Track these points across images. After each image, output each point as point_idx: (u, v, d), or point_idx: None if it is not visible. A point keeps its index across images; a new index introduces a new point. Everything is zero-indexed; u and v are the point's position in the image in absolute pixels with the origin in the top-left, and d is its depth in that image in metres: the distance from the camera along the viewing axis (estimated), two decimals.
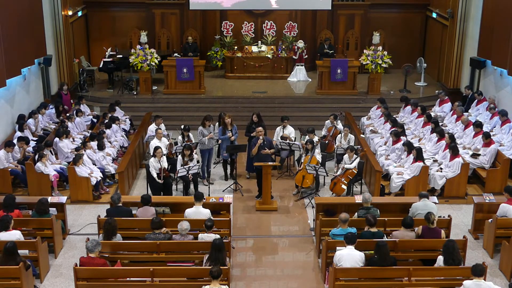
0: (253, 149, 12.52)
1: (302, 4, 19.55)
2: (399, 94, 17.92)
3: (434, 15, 19.63)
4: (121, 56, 18.77)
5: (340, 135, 14.21)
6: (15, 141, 13.29)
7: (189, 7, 19.53)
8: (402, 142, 13.29)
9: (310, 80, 19.52)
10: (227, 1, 19.29)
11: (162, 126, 14.22)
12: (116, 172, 12.94)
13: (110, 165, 13.26)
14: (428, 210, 9.80)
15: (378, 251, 8.68)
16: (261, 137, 12.48)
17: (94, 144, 13.33)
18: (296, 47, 19.47)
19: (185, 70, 17.66)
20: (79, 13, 19.43)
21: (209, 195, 12.11)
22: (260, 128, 12.64)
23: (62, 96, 16.70)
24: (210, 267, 8.26)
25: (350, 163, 12.54)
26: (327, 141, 14.59)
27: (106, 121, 14.88)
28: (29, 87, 15.87)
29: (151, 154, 12.54)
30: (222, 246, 8.69)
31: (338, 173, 12.86)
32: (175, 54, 19.34)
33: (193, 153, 12.53)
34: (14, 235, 9.37)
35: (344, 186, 12.49)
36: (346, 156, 12.72)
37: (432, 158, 13.20)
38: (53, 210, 10.57)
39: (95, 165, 12.88)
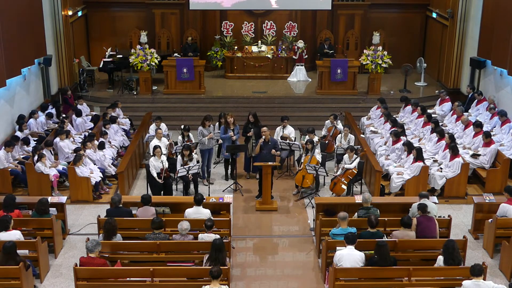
0: (255, 148, 12.55)
1: (302, 4, 19.54)
2: (399, 94, 17.91)
3: (434, 15, 19.63)
4: (121, 56, 18.77)
5: (340, 135, 14.21)
6: None
7: (189, 7, 19.51)
8: (402, 142, 13.29)
9: (310, 80, 19.51)
10: (227, 1, 19.28)
11: (163, 126, 14.21)
12: (116, 172, 12.93)
13: (110, 166, 13.25)
14: (428, 211, 9.82)
15: (378, 251, 8.68)
16: (263, 137, 12.51)
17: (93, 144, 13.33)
18: (296, 47, 19.46)
19: (185, 70, 17.66)
20: (79, 13, 19.43)
21: (209, 195, 12.10)
22: (265, 128, 12.68)
23: (67, 100, 16.68)
24: (210, 267, 8.27)
25: (350, 163, 12.54)
26: (327, 141, 14.59)
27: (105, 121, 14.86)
28: (29, 87, 15.87)
29: (151, 154, 12.55)
30: (222, 246, 8.69)
31: (338, 173, 12.85)
32: (175, 54, 19.33)
33: (193, 153, 12.52)
34: (14, 235, 9.37)
35: (344, 186, 12.49)
36: (346, 156, 12.72)
37: (432, 158, 13.20)
38: (53, 210, 10.57)
39: (95, 165, 12.87)
